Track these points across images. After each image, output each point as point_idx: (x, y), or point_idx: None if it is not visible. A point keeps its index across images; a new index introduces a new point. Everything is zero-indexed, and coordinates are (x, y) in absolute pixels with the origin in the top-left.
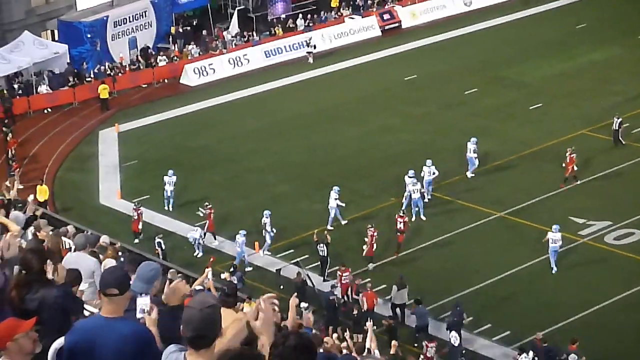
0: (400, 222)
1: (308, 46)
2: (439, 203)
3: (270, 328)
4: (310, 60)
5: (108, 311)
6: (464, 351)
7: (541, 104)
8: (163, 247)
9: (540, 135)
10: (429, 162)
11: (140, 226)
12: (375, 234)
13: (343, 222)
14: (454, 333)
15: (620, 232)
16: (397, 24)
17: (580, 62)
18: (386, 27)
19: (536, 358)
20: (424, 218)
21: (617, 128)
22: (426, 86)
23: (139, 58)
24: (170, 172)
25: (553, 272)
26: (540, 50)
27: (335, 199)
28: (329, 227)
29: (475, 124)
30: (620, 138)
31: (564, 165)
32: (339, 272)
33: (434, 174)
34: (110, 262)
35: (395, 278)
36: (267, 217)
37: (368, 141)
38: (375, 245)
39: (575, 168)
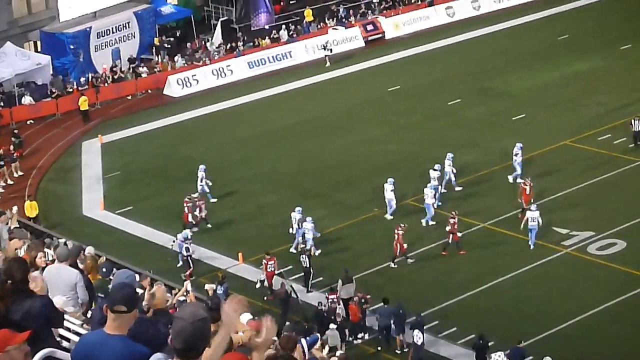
0: (452, 221)
1: (325, 49)
2: (423, 214)
3: (267, 348)
4: (328, 63)
5: (112, 327)
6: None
7: (524, 114)
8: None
9: (524, 146)
10: (437, 166)
11: (190, 218)
12: (401, 232)
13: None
14: (417, 332)
15: (603, 243)
16: (380, 35)
17: (563, 73)
18: (370, 38)
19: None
20: (424, 224)
21: (637, 130)
22: (410, 97)
23: (128, 68)
24: (202, 166)
25: (531, 248)
26: (523, 61)
27: (392, 190)
28: (388, 216)
29: (459, 134)
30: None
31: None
32: (264, 260)
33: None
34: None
35: (341, 274)
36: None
37: (353, 152)
38: (400, 245)
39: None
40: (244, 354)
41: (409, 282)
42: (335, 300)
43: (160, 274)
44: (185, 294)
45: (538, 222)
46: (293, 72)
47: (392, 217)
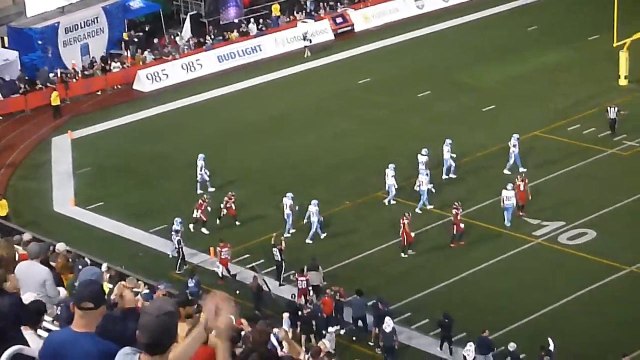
0: (455, 212)
1: (304, 40)
2: (395, 206)
3: (230, 332)
4: (309, 53)
5: (79, 325)
6: (396, 338)
7: (494, 106)
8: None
9: (494, 138)
10: (424, 151)
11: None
12: (407, 222)
13: (388, 202)
14: (387, 319)
15: (574, 232)
16: (349, 28)
17: (532, 64)
18: (339, 31)
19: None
20: (419, 212)
21: (614, 117)
22: (380, 90)
23: (98, 63)
24: (201, 155)
25: (507, 226)
26: (492, 52)
27: (392, 175)
28: (389, 200)
29: (429, 127)
30: (616, 126)
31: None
32: (218, 248)
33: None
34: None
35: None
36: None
37: (323, 146)
38: (407, 235)
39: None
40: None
41: (381, 274)
42: (305, 282)
43: (132, 270)
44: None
45: (513, 202)
46: (263, 65)
47: (395, 202)
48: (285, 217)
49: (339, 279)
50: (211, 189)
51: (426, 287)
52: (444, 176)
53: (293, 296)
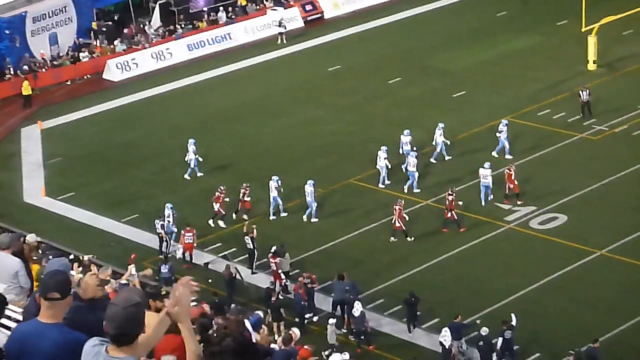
0: (450, 198)
1: (280, 26)
2: (368, 192)
3: (188, 313)
4: (282, 40)
5: (47, 316)
6: (366, 323)
7: (464, 91)
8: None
9: (465, 123)
10: (407, 131)
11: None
12: (398, 207)
13: (382, 185)
14: (357, 303)
15: (545, 217)
16: (319, 15)
17: (502, 49)
18: (309, 18)
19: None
20: (417, 190)
21: (587, 99)
22: (350, 77)
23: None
24: (191, 140)
25: (482, 205)
26: (462, 38)
27: (385, 158)
28: (380, 185)
29: (400, 113)
30: (589, 109)
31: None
32: (182, 232)
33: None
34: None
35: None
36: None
37: (293, 133)
38: (402, 220)
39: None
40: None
41: (352, 260)
42: (275, 265)
43: (104, 260)
44: (129, 278)
45: (490, 180)
46: (233, 54)
47: (383, 186)
48: (272, 199)
49: (310, 266)
50: (199, 174)
51: (399, 273)
52: (432, 160)
53: (272, 282)
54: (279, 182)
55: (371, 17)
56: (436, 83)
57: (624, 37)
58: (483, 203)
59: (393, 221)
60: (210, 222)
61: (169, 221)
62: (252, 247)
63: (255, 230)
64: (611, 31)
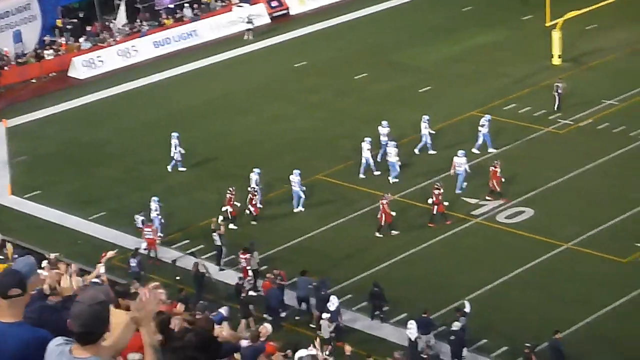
0: (437, 192)
1: (248, 23)
2: (336, 188)
3: (150, 318)
4: (249, 37)
5: (7, 315)
6: (340, 318)
7: (431, 87)
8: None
9: (431, 118)
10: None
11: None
12: (385, 202)
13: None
14: (333, 297)
15: (512, 211)
16: (285, 11)
17: (468, 44)
18: (274, 15)
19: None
20: (395, 180)
21: (559, 93)
22: (317, 73)
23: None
24: (174, 134)
25: (457, 192)
26: (428, 33)
27: (368, 149)
28: (361, 176)
29: (367, 109)
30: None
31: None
32: (146, 228)
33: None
34: None
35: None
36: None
37: (261, 130)
38: (386, 215)
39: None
40: None
41: (322, 255)
42: (245, 261)
43: (72, 258)
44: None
45: (465, 168)
46: (199, 51)
47: (364, 177)
48: (364, 159)
49: (280, 262)
50: (182, 169)
51: (367, 268)
52: (416, 151)
53: (240, 278)
54: (260, 174)
55: (337, 13)
56: (403, 79)
57: (587, 32)
58: (458, 191)
59: (379, 216)
60: (233, 224)
61: (157, 214)
62: (219, 243)
63: (222, 227)
64: (575, 26)
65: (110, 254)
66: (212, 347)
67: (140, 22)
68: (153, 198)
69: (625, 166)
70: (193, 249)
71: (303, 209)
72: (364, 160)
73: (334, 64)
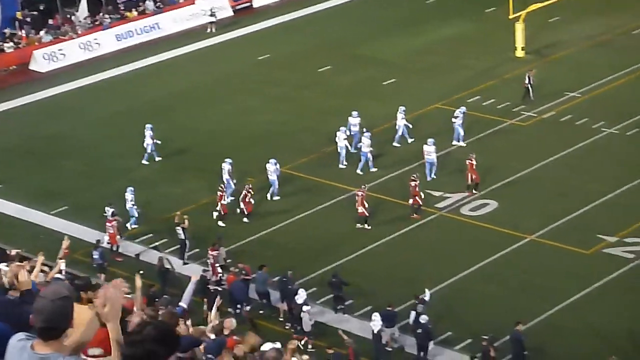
0: (413, 184)
1: (211, 15)
2: (301, 181)
3: (117, 314)
4: (212, 29)
5: None
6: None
7: (395, 79)
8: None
9: (395, 111)
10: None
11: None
12: (360, 194)
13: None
14: (301, 291)
15: (476, 204)
16: (248, 4)
17: (432, 37)
18: (237, 7)
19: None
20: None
21: (530, 82)
22: (280, 66)
23: None
24: (148, 125)
25: (427, 180)
26: (392, 26)
27: (344, 139)
28: (340, 166)
29: (331, 101)
30: (530, 94)
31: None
32: (107, 223)
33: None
34: None
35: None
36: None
37: (225, 123)
38: (365, 206)
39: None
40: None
41: (286, 250)
42: (217, 255)
43: (34, 253)
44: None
45: (434, 157)
46: (162, 43)
47: (344, 167)
48: (225, 182)
49: (245, 255)
50: (158, 158)
51: (331, 262)
52: (395, 144)
53: (204, 270)
54: (232, 164)
55: (300, 6)
56: (366, 71)
57: (550, 25)
58: (428, 178)
59: (356, 206)
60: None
61: (132, 204)
62: (183, 237)
63: (186, 221)
64: (538, 18)
65: (65, 244)
66: (171, 341)
67: (103, 14)
68: (128, 188)
69: (588, 158)
70: (156, 243)
71: (279, 197)
72: (340, 150)
73: (297, 57)
